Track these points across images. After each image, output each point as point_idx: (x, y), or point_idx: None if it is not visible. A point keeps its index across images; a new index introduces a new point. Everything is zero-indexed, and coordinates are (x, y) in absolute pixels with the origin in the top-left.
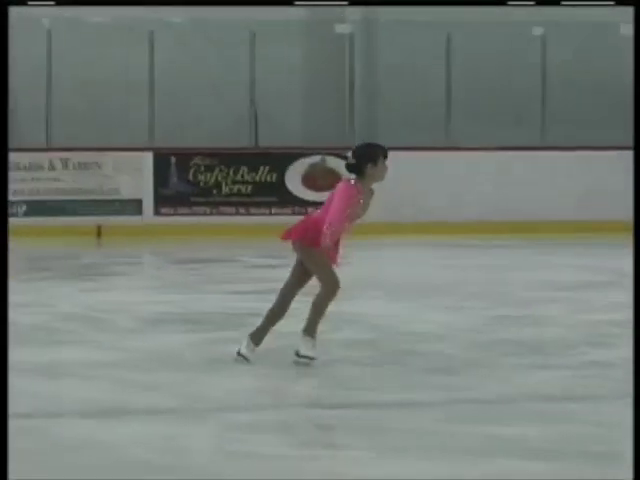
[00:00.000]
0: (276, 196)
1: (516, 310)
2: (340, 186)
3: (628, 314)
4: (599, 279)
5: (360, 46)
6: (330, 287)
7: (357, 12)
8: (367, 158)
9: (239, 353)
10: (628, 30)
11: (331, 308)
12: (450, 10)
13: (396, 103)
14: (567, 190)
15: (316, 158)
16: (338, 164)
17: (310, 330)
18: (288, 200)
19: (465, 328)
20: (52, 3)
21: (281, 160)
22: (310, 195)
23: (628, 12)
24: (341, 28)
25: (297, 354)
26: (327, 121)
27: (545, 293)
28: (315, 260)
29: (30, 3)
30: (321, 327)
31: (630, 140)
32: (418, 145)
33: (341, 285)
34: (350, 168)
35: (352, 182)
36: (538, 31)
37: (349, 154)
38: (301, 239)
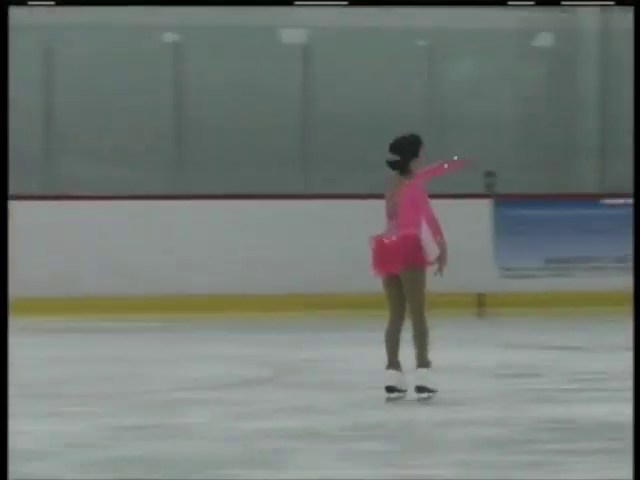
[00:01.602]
0: None
1: (147, 418)
2: (408, 187)
3: (302, 420)
4: (261, 374)
5: None
6: (423, 312)
7: None
8: (412, 151)
9: (426, 390)
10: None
11: None
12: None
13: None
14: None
15: None
16: None
17: (424, 362)
18: None
19: (75, 442)
20: (52, 3)
21: None
22: None
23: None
24: None
25: (419, 390)
26: None
27: (188, 394)
28: (417, 282)
29: (30, 3)
30: None
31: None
32: None
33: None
34: (396, 166)
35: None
36: (170, 37)
37: (390, 154)
38: (405, 264)
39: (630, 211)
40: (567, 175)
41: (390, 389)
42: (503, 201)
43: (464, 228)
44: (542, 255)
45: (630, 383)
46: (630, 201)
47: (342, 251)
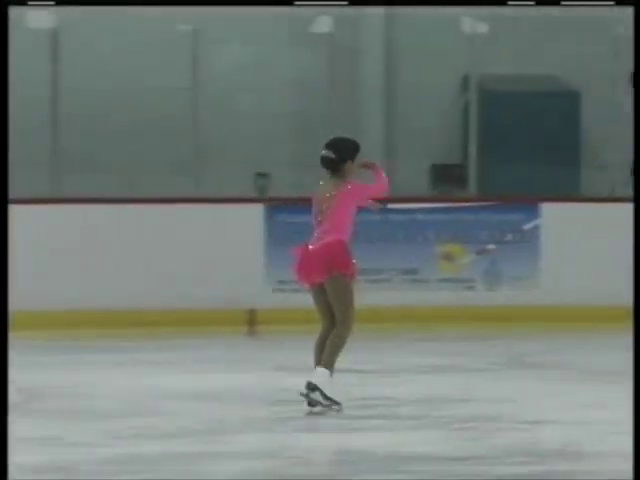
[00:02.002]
0: None
1: None
2: (347, 190)
3: (47, 454)
4: None
5: None
6: (349, 320)
7: None
8: (349, 154)
9: (317, 390)
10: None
11: None
12: None
13: None
14: None
15: None
16: None
17: (328, 362)
18: None
19: None
20: (52, 3)
21: None
22: None
23: None
24: None
25: (308, 388)
26: None
27: None
28: (341, 290)
29: (30, 3)
30: None
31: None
32: None
33: None
34: (328, 164)
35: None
36: None
37: (325, 151)
38: (329, 272)
39: (416, 217)
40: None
41: (311, 403)
42: (277, 206)
43: (233, 236)
44: None
45: (421, 410)
46: (416, 206)
47: (90, 263)
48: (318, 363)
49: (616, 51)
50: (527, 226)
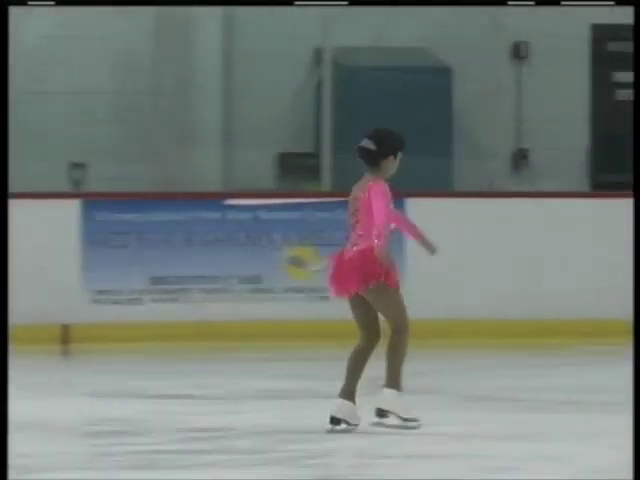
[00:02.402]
0: None
1: None
2: (370, 190)
3: None
4: None
5: None
6: (404, 327)
7: None
8: (392, 148)
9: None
10: None
11: None
12: None
13: None
14: None
15: None
16: None
17: (393, 381)
18: None
19: None
20: (52, 3)
21: None
22: None
23: None
24: None
25: (380, 414)
26: None
27: None
28: (386, 300)
29: (30, 3)
30: None
31: None
32: None
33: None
34: (366, 155)
35: (376, 182)
36: None
37: (366, 140)
38: (365, 282)
39: (260, 215)
40: (180, 168)
41: (334, 420)
42: (95, 202)
43: (43, 238)
44: (146, 273)
45: (266, 443)
46: (260, 202)
47: None
48: (346, 384)
49: (495, 19)
50: None
